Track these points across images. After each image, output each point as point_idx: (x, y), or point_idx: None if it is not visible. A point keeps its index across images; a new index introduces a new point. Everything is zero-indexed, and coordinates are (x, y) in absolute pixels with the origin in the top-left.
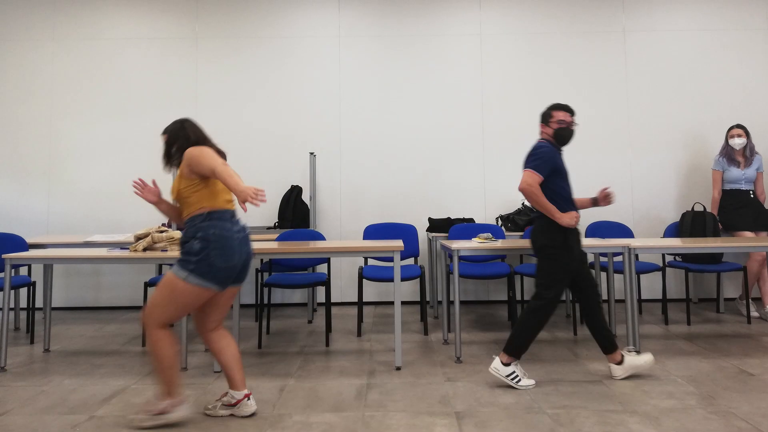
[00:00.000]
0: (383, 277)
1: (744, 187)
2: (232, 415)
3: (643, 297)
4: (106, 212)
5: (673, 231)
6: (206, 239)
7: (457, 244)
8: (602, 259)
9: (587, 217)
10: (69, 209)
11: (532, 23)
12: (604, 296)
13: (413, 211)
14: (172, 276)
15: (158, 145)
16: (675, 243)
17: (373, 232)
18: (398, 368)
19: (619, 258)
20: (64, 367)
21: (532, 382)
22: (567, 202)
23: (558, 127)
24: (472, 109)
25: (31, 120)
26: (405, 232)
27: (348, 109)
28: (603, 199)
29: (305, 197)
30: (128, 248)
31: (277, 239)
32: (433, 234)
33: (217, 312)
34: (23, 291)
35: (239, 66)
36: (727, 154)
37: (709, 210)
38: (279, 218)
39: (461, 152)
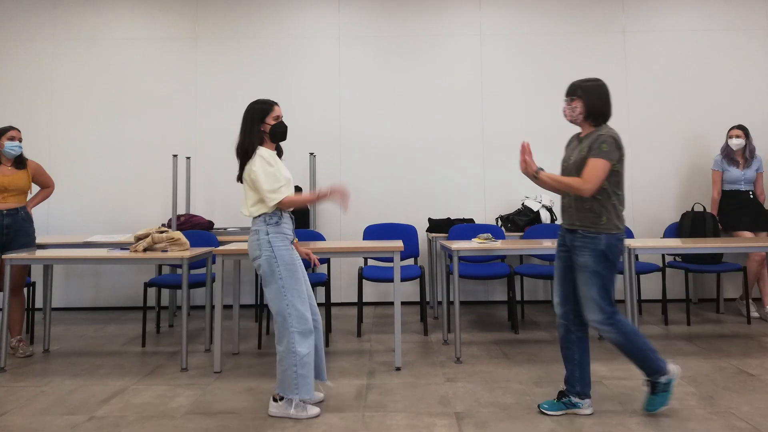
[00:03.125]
0: (383, 277)
1: (743, 187)
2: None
3: (642, 297)
4: (106, 212)
5: (673, 231)
6: None
7: (456, 245)
8: None
9: None
10: (69, 209)
11: (532, 23)
12: None
13: (413, 212)
14: None
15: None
16: (675, 243)
17: (373, 232)
18: (398, 368)
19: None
20: (63, 368)
21: None
22: None
23: None
24: (472, 109)
25: (31, 120)
26: (405, 232)
27: (348, 109)
28: None
29: None
30: (128, 248)
31: None
32: (433, 234)
33: None
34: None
35: (239, 66)
36: (727, 154)
37: (708, 210)
38: None
39: (461, 152)
